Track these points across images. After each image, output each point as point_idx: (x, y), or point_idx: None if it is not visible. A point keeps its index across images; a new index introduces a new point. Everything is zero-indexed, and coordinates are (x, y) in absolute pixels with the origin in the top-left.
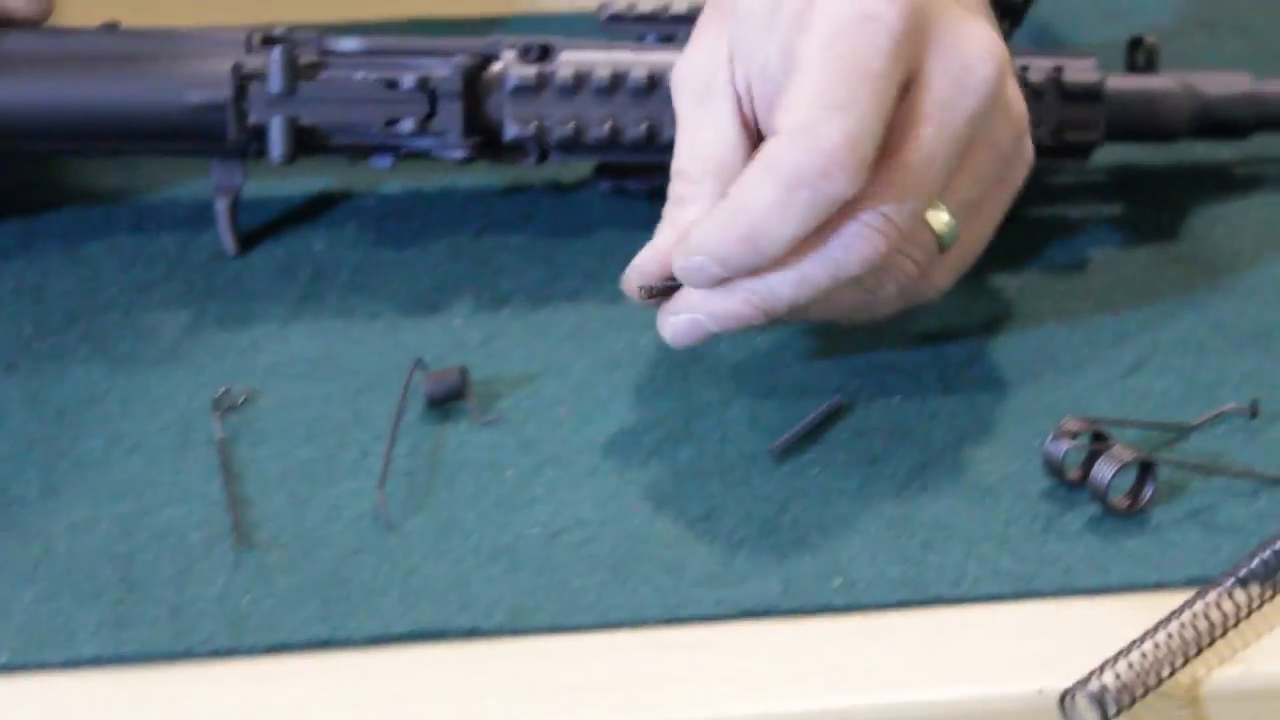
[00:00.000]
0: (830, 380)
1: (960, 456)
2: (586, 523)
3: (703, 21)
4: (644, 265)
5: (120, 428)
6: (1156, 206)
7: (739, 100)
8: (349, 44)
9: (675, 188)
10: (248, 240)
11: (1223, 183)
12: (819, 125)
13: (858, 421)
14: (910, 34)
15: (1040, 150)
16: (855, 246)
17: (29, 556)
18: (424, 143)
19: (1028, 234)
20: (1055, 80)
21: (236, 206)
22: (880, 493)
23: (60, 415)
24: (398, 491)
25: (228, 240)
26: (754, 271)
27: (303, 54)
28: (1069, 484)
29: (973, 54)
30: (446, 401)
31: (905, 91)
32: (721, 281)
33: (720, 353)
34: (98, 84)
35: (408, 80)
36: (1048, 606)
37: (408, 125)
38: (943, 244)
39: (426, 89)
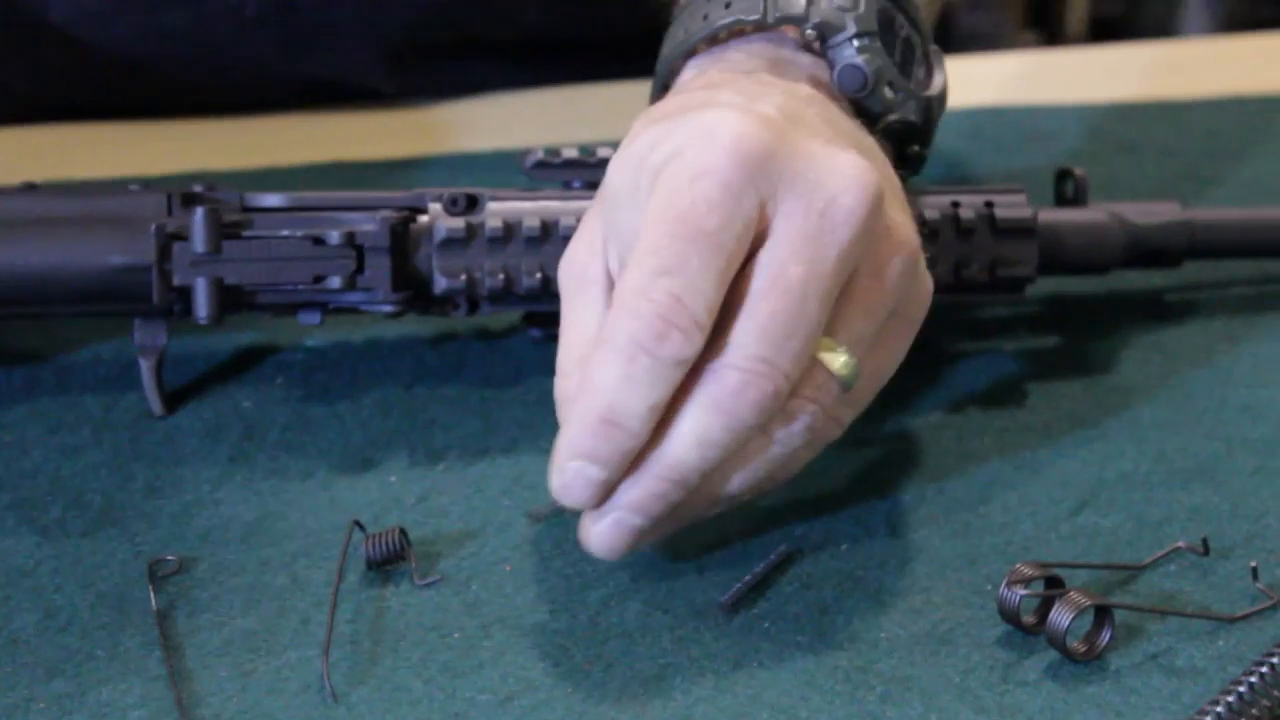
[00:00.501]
0: (776, 526)
1: (913, 604)
2: (538, 686)
3: (586, 213)
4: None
5: (53, 601)
6: (1091, 336)
7: (610, 285)
8: (271, 199)
9: (559, 388)
10: (173, 398)
11: (1156, 311)
12: (646, 291)
13: (807, 570)
14: (752, 180)
15: (974, 286)
16: (742, 393)
17: None
18: (352, 298)
19: (964, 370)
20: (987, 217)
21: (161, 366)
22: (834, 645)
23: None
24: (343, 660)
25: (154, 401)
26: (635, 457)
27: (225, 212)
28: (1024, 630)
29: (836, 187)
30: (387, 564)
31: (763, 237)
32: (603, 486)
33: None
34: (19, 247)
35: (334, 236)
36: None
37: (335, 282)
38: (845, 384)
39: (353, 244)
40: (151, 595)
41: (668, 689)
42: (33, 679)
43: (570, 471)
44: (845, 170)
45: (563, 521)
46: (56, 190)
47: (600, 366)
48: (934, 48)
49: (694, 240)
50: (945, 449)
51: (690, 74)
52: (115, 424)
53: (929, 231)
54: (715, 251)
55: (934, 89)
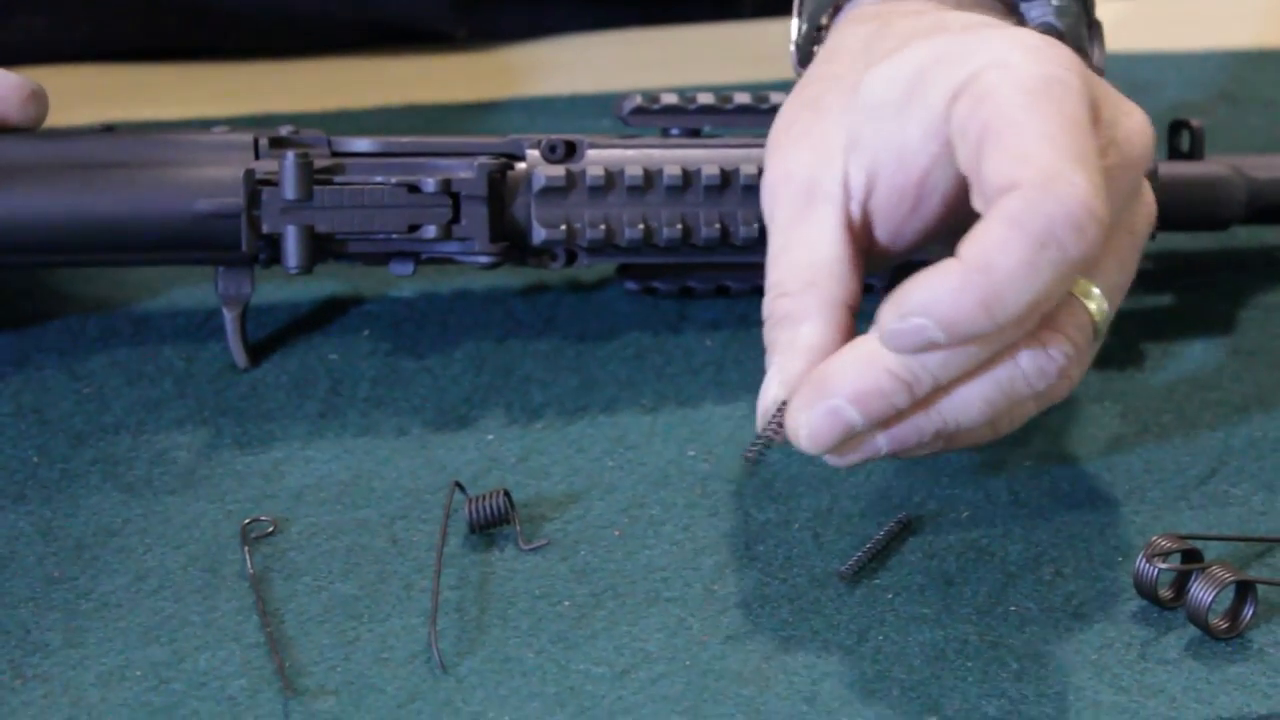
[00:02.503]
0: (892, 494)
1: (1041, 576)
2: (655, 658)
3: (789, 123)
4: (769, 410)
5: (144, 563)
6: (1207, 296)
7: (847, 200)
8: (361, 144)
9: (776, 306)
10: (257, 351)
11: (1274, 269)
12: (1067, 175)
13: (928, 539)
14: (1089, 100)
15: None
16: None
17: (60, 712)
18: (448, 248)
19: None
20: None
21: (245, 317)
22: (963, 618)
23: (78, 550)
24: (449, 629)
25: (238, 353)
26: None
27: (315, 157)
28: (1161, 605)
29: (1134, 128)
30: (490, 527)
31: None
32: (931, 347)
33: (773, 468)
34: (100, 193)
35: (429, 184)
36: None
37: (430, 231)
38: (1098, 331)
39: (449, 192)
40: (247, 558)
41: (791, 663)
42: (127, 644)
43: (913, 325)
44: (1140, 115)
45: (669, 484)
46: (136, 132)
47: (998, 247)
48: (1098, 19)
49: (1086, 136)
50: (1064, 412)
51: (874, 7)
52: (198, 376)
53: None
54: (1097, 151)
55: (1097, 63)
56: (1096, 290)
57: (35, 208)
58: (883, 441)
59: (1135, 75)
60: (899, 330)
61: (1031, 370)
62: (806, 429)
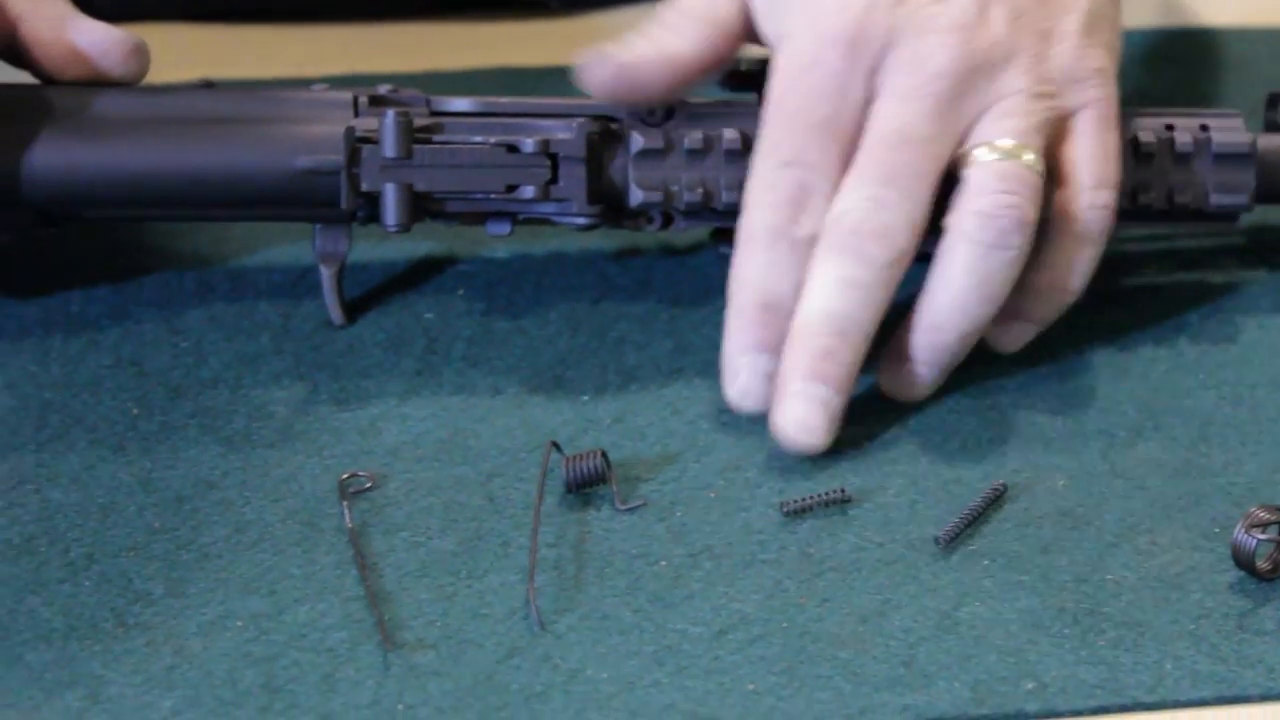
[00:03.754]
0: (987, 462)
1: (1137, 545)
2: (752, 620)
3: None
4: (627, 65)
5: (243, 516)
6: None
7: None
8: (460, 104)
9: (668, 16)
10: (353, 309)
11: None
12: (774, 184)
13: (1023, 507)
14: (857, 60)
15: (1186, 214)
16: (858, 229)
17: (162, 660)
18: (545, 209)
19: (1172, 302)
20: (1204, 141)
21: (342, 275)
22: (1059, 586)
23: (178, 502)
24: (547, 586)
25: (335, 310)
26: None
27: (415, 116)
28: (1259, 576)
29: (928, 47)
30: (586, 487)
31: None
32: None
33: (868, 431)
34: (199, 148)
35: (528, 144)
36: (1254, 712)
37: (529, 191)
38: (1008, 154)
39: (548, 153)
40: (345, 512)
41: (888, 627)
42: (227, 595)
43: (744, 368)
44: (936, 32)
45: (764, 448)
46: (235, 89)
47: (746, 261)
48: None
49: (810, 131)
50: (1157, 383)
51: None
52: (295, 333)
53: (1144, 154)
54: (831, 137)
55: None
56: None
57: (136, 162)
58: (925, 369)
59: (1229, 52)
60: (744, 386)
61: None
62: (786, 425)
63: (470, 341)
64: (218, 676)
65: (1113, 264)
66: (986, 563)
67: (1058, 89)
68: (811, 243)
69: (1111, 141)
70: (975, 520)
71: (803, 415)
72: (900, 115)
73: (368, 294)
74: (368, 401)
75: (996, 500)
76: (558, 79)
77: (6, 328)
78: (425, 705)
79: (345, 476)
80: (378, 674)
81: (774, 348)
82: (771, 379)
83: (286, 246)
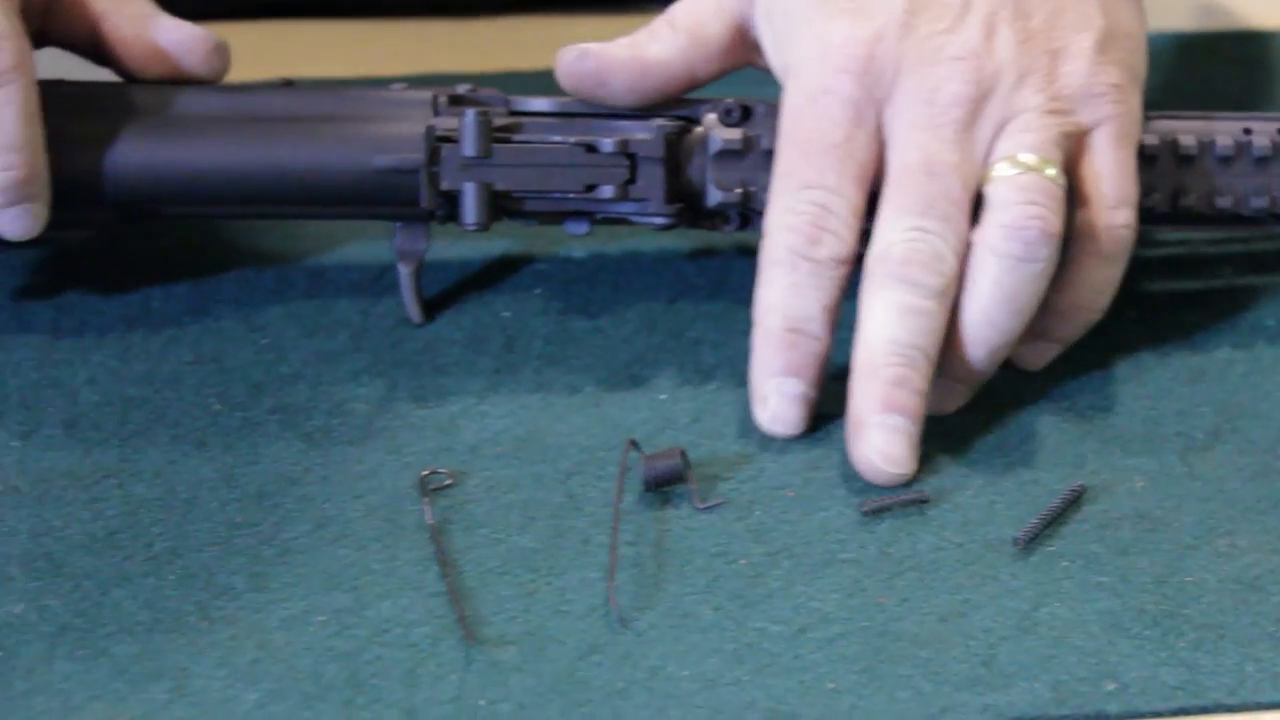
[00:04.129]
0: (1065, 463)
1: (1216, 548)
2: (831, 619)
3: None
4: (598, 61)
5: (324, 512)
6: None
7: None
8: (539, 103)
9: (656, 24)
10: (430, 307)
11: None
12: (793, 207)
13: (1101, 508)
14: (868, 89)
15: (1263, 219)
16: (908, 260)
17: (246, 654)
18: (623, 208)
19: (1248, 304)
20: None
21: (420, 273)
22: (1139, 587)
23: (260, 498)
24: (627, 584)
25: (413, 308)
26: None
27: (494, 116)
28: None
29: (938, 77)
30: (665, 485)
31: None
32: (806, 402)
33: (947, 431)
34: (279, 146)
35: (607, 144)
36: None
37: (607, 191)
38: (1030, 167)
39: (627, 153)
40: (426, 508)
41: (968, 627)
42: (310, 590)
43: (772, 392)
44: (945, 61)
45: (841, 448)
46: (315, 88)
47: (768, 285)
48: None
49: (825, 154)
50: (1235, 386)
51: None
52: (373, 330)
53: (1221, 159)
54: (847, 160)
55: None
56: (999, 151)
57: (217, 160)
58: (956, 384)
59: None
60: (774, 411)
61: (988, 261)
62: (875, 458)
63: (548, 340)
64: (301, 670)
65: (1189, 266)
66: (1065, 564)
67: (1072, 106)
68: (834, 265)
69: (1129, 159)
70: (1054, 521)
71: (885, 446)
72: (924, 145)
73: (445, 292)
74: (446, 399)
75: (1075, 501)
76: None
77: (89, 324)
78: (507, 701)
79: (425, 473)
80: (460, 669)
81: (801, 371)
82: (800, 401)
83: (365, 245)
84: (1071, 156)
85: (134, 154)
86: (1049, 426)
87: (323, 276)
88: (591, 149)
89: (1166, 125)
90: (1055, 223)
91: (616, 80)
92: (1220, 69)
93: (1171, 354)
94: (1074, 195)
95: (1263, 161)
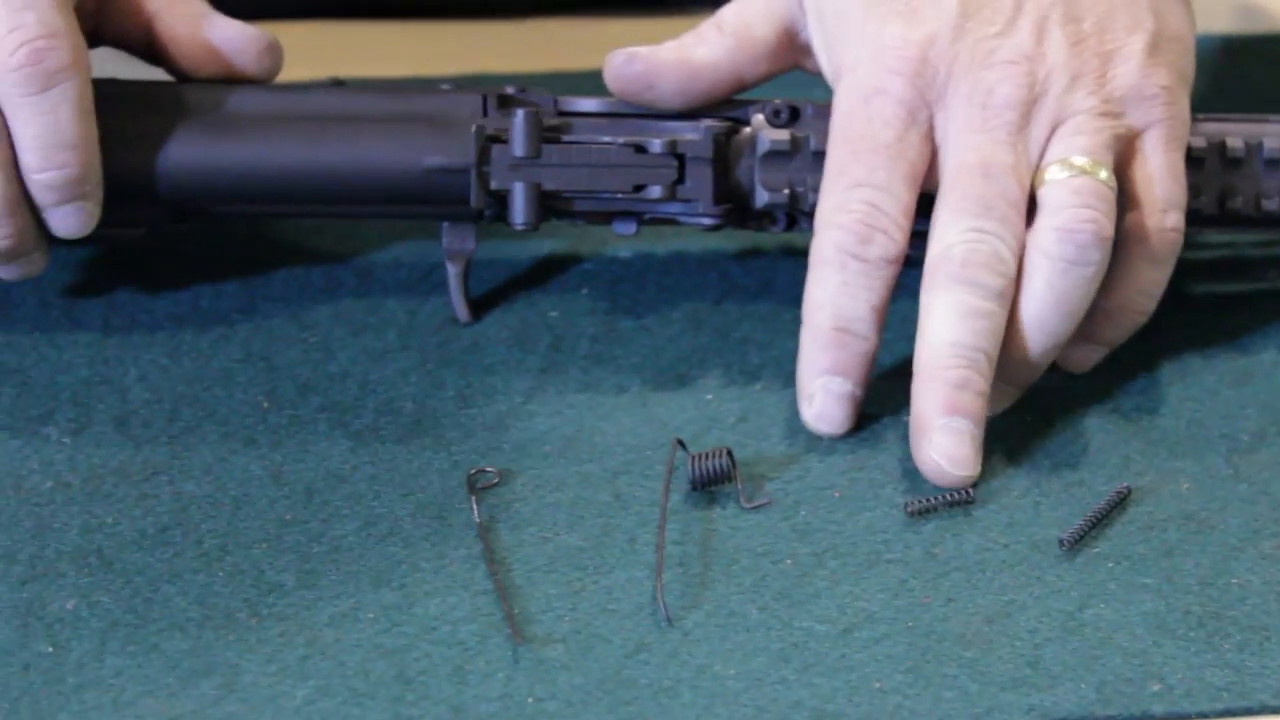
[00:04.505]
0: (1110, 465)
1: (1262, 550)
2: (877, 618)
3: None
4: (646, 64)
5: (373, 509)
6: None
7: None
8: (588, 104)
9: (704, 27)
10: (478, 306)
11: None
12: (844, 205)
13: (1147, 510)
14: (920, 91)
15: None
16: (969, 261)
17: (295, 650)
18: (671, 209)
19: None
20: None
21: (468, 272)
22: (1184, 589)
23: (309, 495)
24: (674, 583)
25: (460, 307)
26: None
27: (543, 116)
28: None
29: (991, 80)
30: (712, 485)
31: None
32: (853, 401)
33: (993, 432)
34: (330, 146)
35: (656, 145)
36: None
37: (655, 191)
38: (1083, 170)
39: (675, 154)
40: (474, 507)
41: (1013, 627)
42: (359, 588)
43: (819, 390)
44: (998, 65)
45: (886, 449)
46: (365, 88)
47: (818, 284)
48: None
49: (876, 153)
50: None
51: None
52: (421, 329)
53: (1269, 161)
54: (898, 159)
55: None
56: (1052, 154)
57: (267, 159)
58: (1004, 387)
59: None
60: (820, 409)
61: (1049, 245)
62: (940, 457)
63: (594, 340)
64: (350, 667)
65: (1235, 268)
66: (1111, 565)
67: (1123, 108)
68: (884, 265)
69: (1179, 161)
70: (1099, 523)
71: (950, 448)
72: (980, 147)
73: (493, 291)
74: (494, 398)
75: (1120, 503)
76: None
77: (139, 322)
78: (554, 699)
79: (473, 472)
80: (508, 667)
81: (848, 370)
82: (846, 400)
83: (413, 244)
84: (1122, 159)
85: (186, 153)
86: (1094, 428)
87: (371, 275)
88: (640, 149)
89: (1214, 127)
90: (1107, 226)
91: (664, 83)
92: (1265, 71)
93: (1217, 356)
94: (1124, 197)
95: None
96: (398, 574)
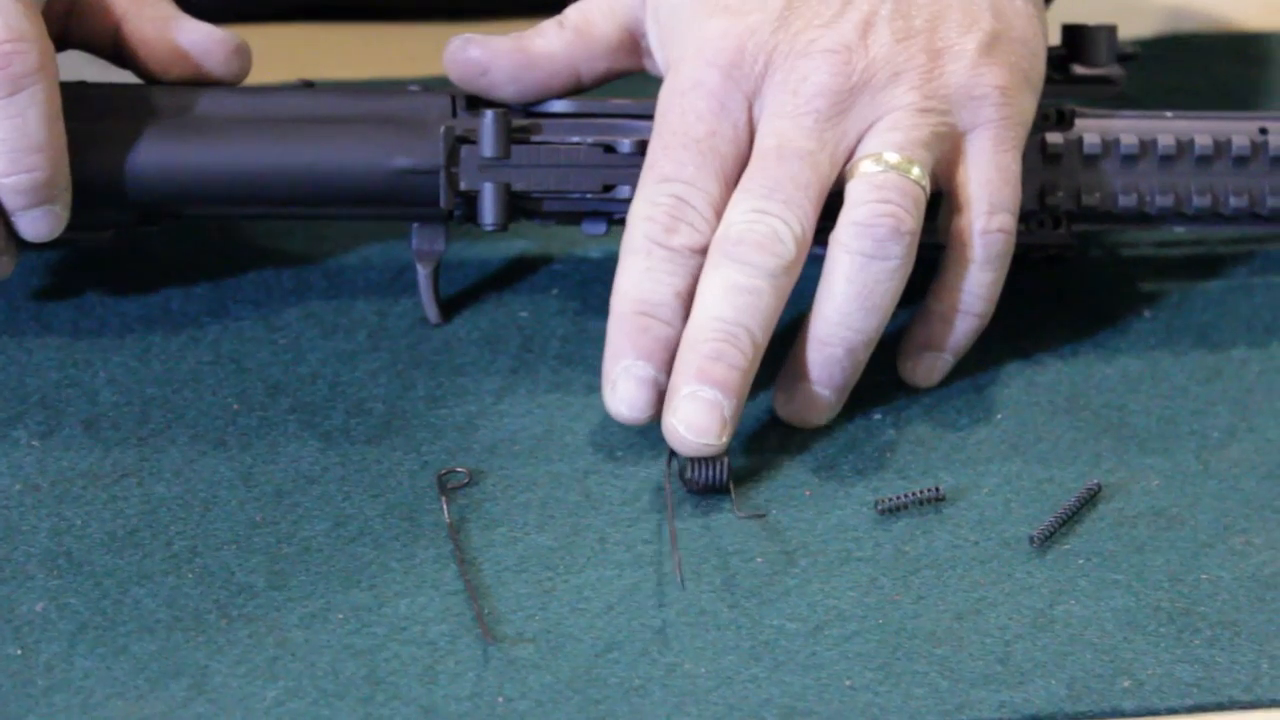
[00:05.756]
0: (1080, 462)
1: (1232, 546)
2: (847, 616)
3: None
4: (482, 50)
5: (343, 510)
6: None
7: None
8: (557, 105)
9: (546, 22)
10: (448, 307)
11: None
12: (652, 198)
13: (1117, 506)
14: (736, 83)
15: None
16: (742, 240)
17: (265, 651)
18: None
19: (1263, 303)
20: None
21: (438, 273)
22: (1154, 585)
23: (278, 497)
24: (644, 582)
25: (430, 308)
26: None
27: (513, 116)
28: None
29: (805, 70)
30: (708, 492)
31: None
32: (655, 386)
33: (961, 432)
34: (299, 147)
35: (625, 145)
36: None
37: (625, 191)
38: (891, 165)
39: (644, 153)
40: (444, 507)
41: (983, 624)
42: (329, 589)
43: (620, 374)
44: (815, 54)
45: (856, 448)
46: (334, 89)
47: (624, 273)
48: None
49: (686, 148)
50: (1251, 384)
51: None
52: (391, 330)
53: (1238, 159)
54: (709, 154)
55: None
56: (865, 148)
57: (237, 161)
58: (819, 390)
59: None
60: (621, 393)
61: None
62: (681, 424)
63: (565, 340)
64: (320, 668)
65: (1205, 265)
66: (1081, 561)
67: (948, 106)
68: (688, 253)
69: (1010, 163)
70: (1070, 519)
71: (691, 416)
72: (781, 131)
73: (463, 292)
74: (464, 398)
75: (1091, 500)
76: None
77: (108, 324)
78: (525, 698)
79: (443, 472)
80: (478, 667)
81: (651, 355)
82: (648, 385)
83: (383, 245)
84: (948, 159)
85: (155, 155)
86: (1065, 425)
87: (341, 277)
88: (610, 149)
89: (1183, 125)
90: (908, 221)
91: (498, 70)
92: (1227, 68)
93: (1187, 353)
94: (951, 199)
95: (1278, 161)
96: (368, 574)
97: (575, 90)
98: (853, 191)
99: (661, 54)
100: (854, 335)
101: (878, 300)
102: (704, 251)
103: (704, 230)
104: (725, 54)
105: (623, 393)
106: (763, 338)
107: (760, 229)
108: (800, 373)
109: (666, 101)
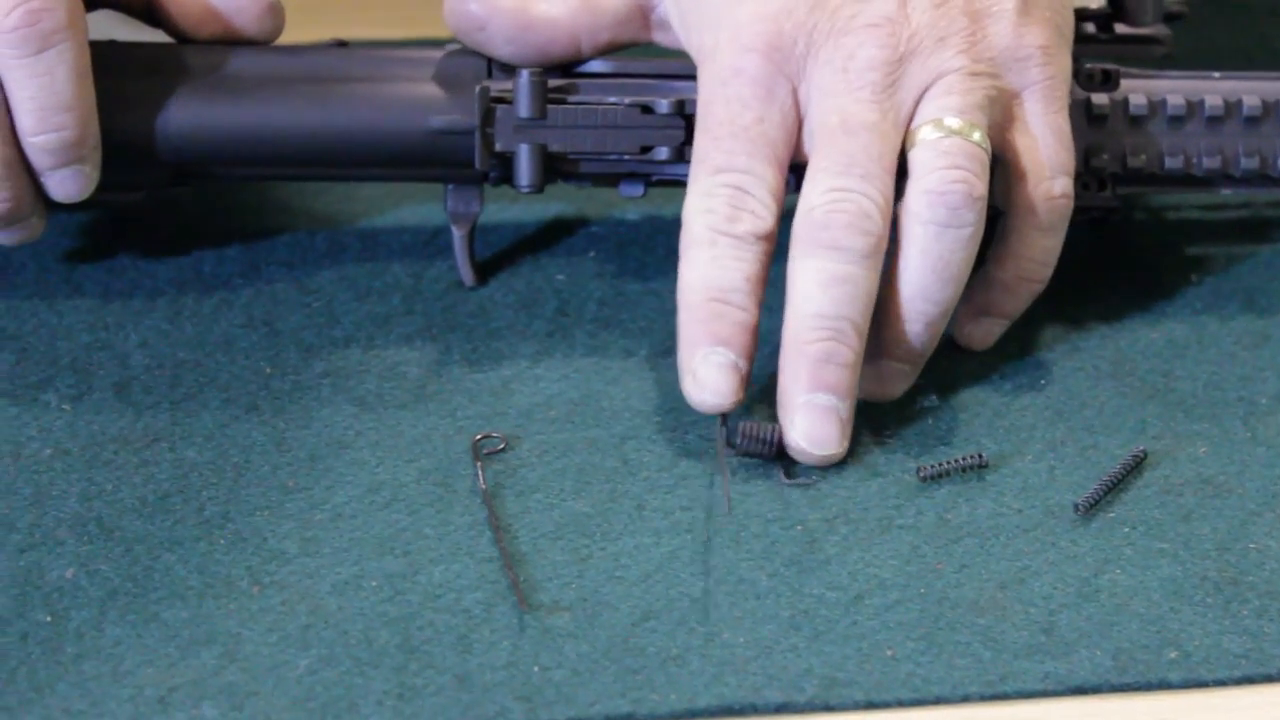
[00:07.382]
0: (1126, 428)
1: None
2: (889, 585)
3: None
4: (483, 5)
5: (376, 476)
6: None
7: None
8: (594, 65)
9: None
10: (483, 270)
11: None
12: (709, 191)
13: (1164, 474)
14: (779, 68)
15: None
16: (828, 222)
17: (298, 619)
18: (679, 170)
19: None
20: None
21: (473, 235)
22: (1201, 554)
23: (311, 461)
24: (681, 550)
25: (466, 271)
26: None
27: (550, 77)
28: None
29: (851, 45)
30: (756, 455)
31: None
32: (735, 370)
33: (1004, 398)
34: (332, 107)
35: (663, 105)
36: None
37: (663, 153)
38: (954, 130)
39: (683, 114)
40: (479, 473)
41: (1027, 594)
42: (362, 555)
43: (699, 362)
44: (858, 29)
45: (897, 412)
46: (368, 48)
47: (690, 265)
48: None
49: (736, 137)
50: None
51: None
52: (426, 294)
53: None
54: (759, 141)
55: None
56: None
57: (269, 121)
58: (898, 365)
59: None
60: (702, 380)
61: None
62: (805, 440)
63: (602, 303)
64: (353, 636)
65: (1251, 229)
66: (1127, 530)
67: (996, 68)
68: (753, 239)
69: (1062, 123)
70: (1115, 487)
71: (810, 428)
72: (841, 109)
73: (499, 255)
74: (499, 363)
75: (1136, 467)
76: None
77: (140, 287)
78: (560, 667)
79: (478, 438)
80: (513, 635)
81: (729, 340)
82: (730, 370)
83: (417, 207)
84: (1002, 123)
85: (186, 115)
86: (1109, 392)
87: (375, 239)
88: (647, 110)
89: (1229, 86)
90: (979, 186)
91: (496, 28)
92: (1274, 29)
93: (1234, 319)
94: (1008, 165)
95: None
96: (401, 541)
97: (574, 59)
98: (918, 159)
99: (685, 35)
100: (932, 308)
101: (955, 270)
102: (768, 238)
103: (766, 216)
104: (763, 37)
105: (704, 380)
106: (865, 325)
107: (846, 206)
108: (877, 350)
109: (709, 91)
